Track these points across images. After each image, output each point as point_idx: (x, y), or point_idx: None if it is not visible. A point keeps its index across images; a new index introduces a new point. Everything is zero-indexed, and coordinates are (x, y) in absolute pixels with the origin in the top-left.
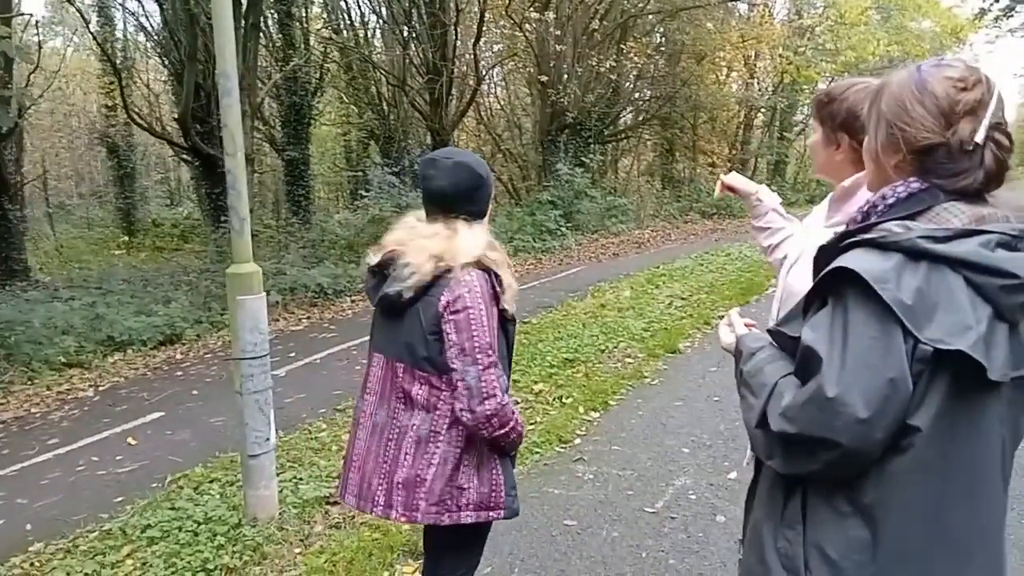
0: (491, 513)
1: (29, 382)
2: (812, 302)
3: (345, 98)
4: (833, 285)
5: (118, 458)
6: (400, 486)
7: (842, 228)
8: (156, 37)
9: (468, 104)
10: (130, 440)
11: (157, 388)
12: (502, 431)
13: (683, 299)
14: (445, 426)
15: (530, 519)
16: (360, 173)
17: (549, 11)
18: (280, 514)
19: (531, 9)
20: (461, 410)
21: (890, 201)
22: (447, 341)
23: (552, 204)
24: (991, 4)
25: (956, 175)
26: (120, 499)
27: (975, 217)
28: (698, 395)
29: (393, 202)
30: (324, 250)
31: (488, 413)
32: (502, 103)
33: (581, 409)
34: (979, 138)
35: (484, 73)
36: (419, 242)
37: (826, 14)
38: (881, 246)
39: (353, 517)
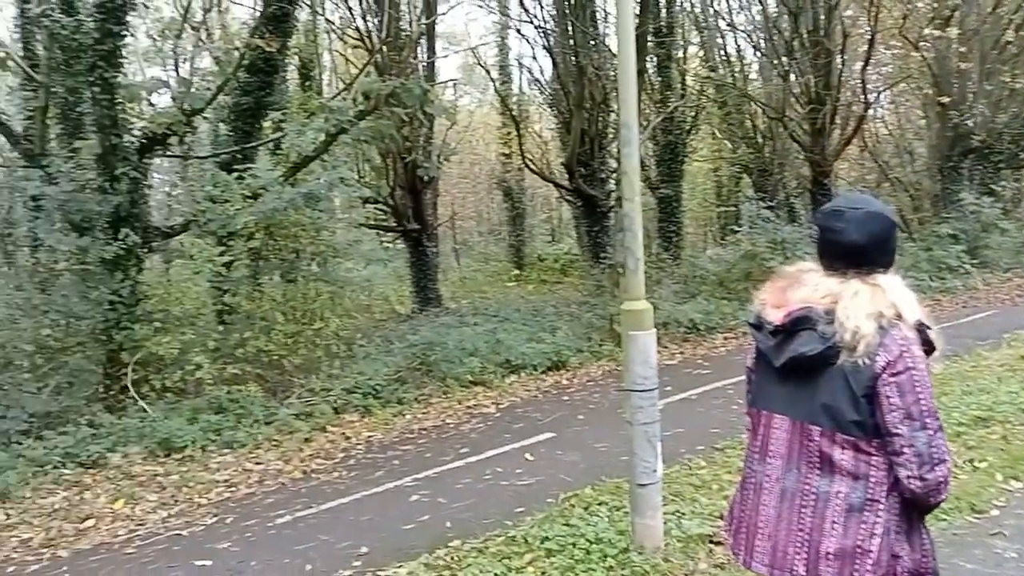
0: None
1: (444, 396)
2: None
3: (718, 133)
4: None
5: (517, 471)
6: (831, 557)
7: None
8: (547, 89)
9: (854, 132)
10: (527, 456)
11: (547, 410)
12: (944, 496)
13: None
14: (883, 493)
15: None
16: (732, 208)
17: (951, 27)
18: (665, 545)
19: (929, 26)
20: (908, 478)
21: None
22: (886, 405)
23: (953, 238)
24: None
25: None
26: (520, 509)
27: None
28: None
29: (767, 237)
30: (695, 286)
31: (940, 480)
32: (890, 128)
33: (999, 476)
34: None
35: (873, 99)
36: (848, 302)
37: None
38: None
39: None
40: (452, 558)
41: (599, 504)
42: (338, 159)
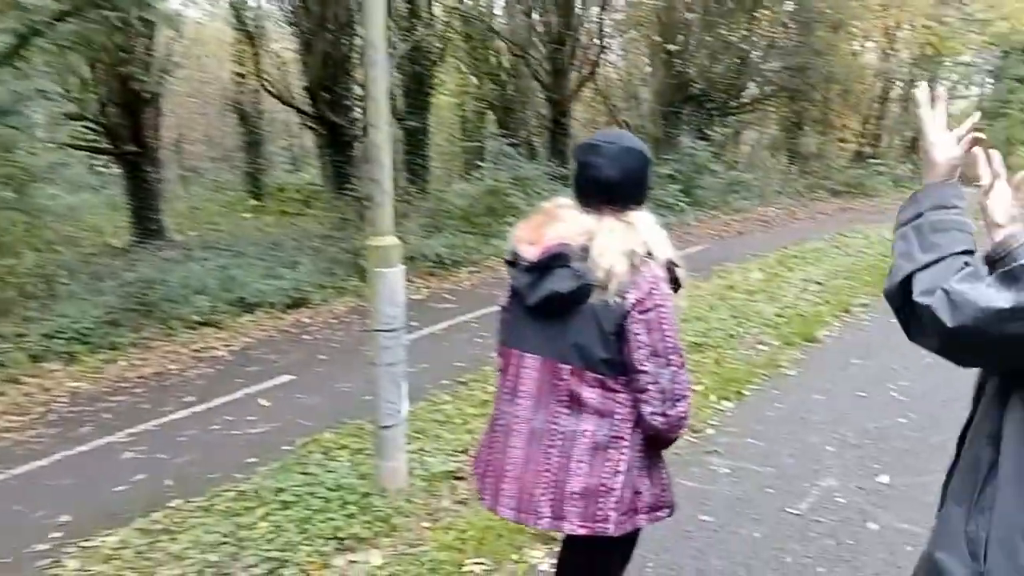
0: (660, 513)
1: (167, 339)
2: None
3: (464, 68)
4: None
5: (250, 418)
6: (576, 496)
7: None
8: (288, 6)
9: (590, 74)
10: (262, 401)
11: (286, 351)
12: (683, 431)
13: (819, 284)
14: (629, 430)
15: None
16: (477, 143)
17: None
18: (409, 486)
19: None
20: (652, 414)
21: None
22: (634, 342)
23: (671, 178)
24: None
25: None
26: (253, 460)
27: None
28: (841, 389)
29: (510, 173)
30: (441, 220)
31: (682, 415)
32: (620, 73)
33: (713, 398)
34: None
35: (607, 43)
36: (602, 240)
37: None
38: None
39: None
40: (172, 520)
41: (340, 448)
42: (36, 67)
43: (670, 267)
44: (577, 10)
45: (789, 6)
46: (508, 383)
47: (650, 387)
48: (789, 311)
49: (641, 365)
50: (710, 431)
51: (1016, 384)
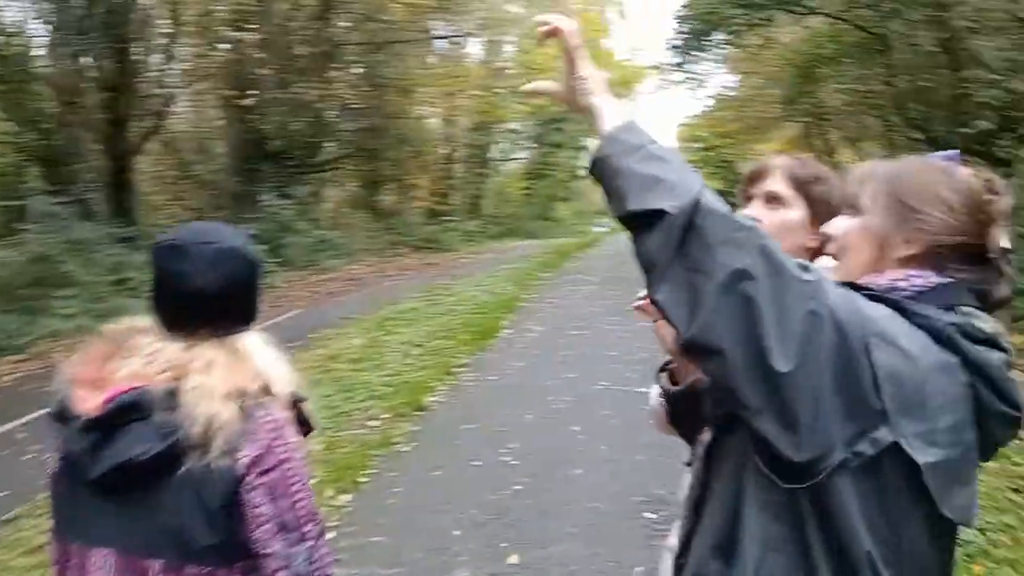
0: None
1: None
2: None
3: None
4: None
5: None
6: None
7: None
8: None
9: (154, 127)
10: None
11: None
12: None
13: (419, 346)
14: None
15: None
16: (17, 201)
17: (248, 31)
18: None
19: (228, 28)
20: None
21: (916, 288)
22: (253, 516)
23: (255, 238)
24: (673, 57)
25: (978, 279)
26: None
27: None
28: (456, 460)
29: (61, 236)
30: None
31: None
32: (190, 125)
33: (329, 492)
34: (1005, 244)
35: (173, 94)
36: (198, 379)
37: (517, 59)
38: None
39: None
40: None
41: None
42: None
43: (296, 404)
44: (135, 57)
45: (359, 69)
46: None
47: (279, 573)
48: (396, 379)
49: (266, 546)
50: (331, 535)
51: (749, 477)
